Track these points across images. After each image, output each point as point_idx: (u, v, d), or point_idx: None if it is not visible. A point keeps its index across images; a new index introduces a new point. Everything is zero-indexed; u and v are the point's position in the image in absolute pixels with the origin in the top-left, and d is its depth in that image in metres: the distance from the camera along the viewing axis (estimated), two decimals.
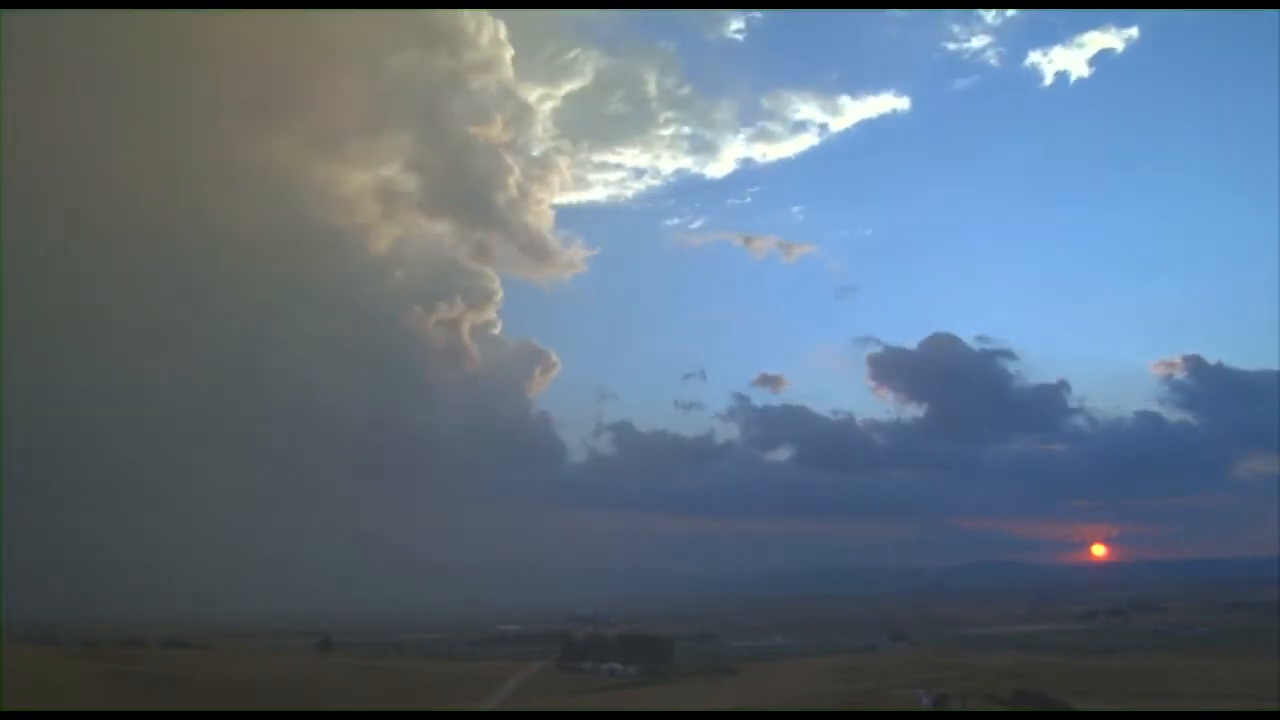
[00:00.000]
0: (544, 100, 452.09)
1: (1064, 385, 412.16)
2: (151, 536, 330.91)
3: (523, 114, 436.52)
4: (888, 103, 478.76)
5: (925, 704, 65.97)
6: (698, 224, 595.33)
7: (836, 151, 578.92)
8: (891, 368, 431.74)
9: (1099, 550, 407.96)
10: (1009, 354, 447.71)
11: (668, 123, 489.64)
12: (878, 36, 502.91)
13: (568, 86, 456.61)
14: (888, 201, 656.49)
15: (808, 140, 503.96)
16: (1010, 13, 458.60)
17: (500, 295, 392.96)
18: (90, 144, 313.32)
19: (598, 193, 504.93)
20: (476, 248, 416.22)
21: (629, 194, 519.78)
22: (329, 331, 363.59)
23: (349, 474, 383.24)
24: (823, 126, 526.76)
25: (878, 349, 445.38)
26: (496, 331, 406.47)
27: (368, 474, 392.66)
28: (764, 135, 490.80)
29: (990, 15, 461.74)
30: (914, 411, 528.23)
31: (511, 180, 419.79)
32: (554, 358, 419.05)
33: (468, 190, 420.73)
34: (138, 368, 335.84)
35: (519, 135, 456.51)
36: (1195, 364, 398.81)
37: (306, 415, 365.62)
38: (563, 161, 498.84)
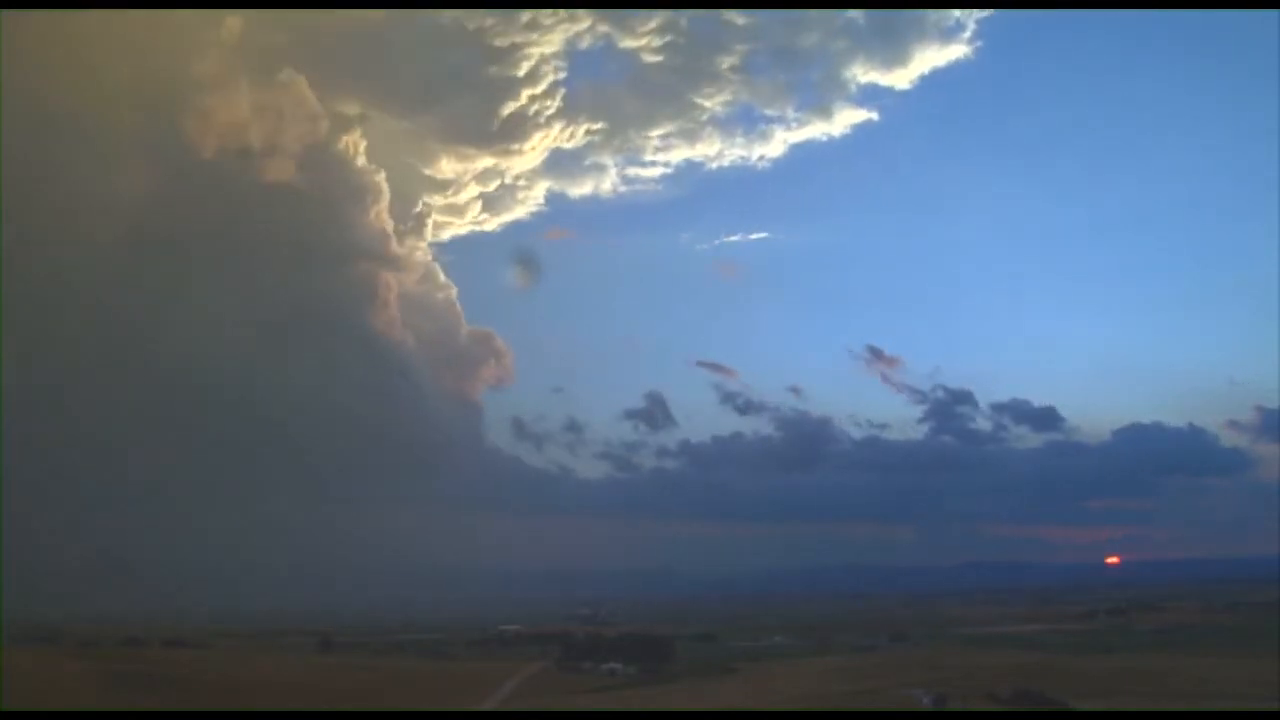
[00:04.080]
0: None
1: (1066, 384, 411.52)
2: (151, 536, 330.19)
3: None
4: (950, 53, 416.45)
5: (925, 704, 66.23)
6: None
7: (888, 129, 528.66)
8: (897, 367, 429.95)
9: (1100, 550, 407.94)
10: (1013, 353, 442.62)
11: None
12: None
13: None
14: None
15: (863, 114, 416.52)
16: None
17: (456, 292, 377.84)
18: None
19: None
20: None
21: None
22: (332, 332, 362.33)
23: (349, 473, 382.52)
24: (874, 87, 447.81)
25: (881, 350, 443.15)
26: (492, 334, 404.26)
27: (369, 473, 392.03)
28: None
29: None
30: (916, 411, 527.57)
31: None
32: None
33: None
34: (137, 363, 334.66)
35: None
36: (1197, 365, 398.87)
37: (308, 414, 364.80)
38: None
